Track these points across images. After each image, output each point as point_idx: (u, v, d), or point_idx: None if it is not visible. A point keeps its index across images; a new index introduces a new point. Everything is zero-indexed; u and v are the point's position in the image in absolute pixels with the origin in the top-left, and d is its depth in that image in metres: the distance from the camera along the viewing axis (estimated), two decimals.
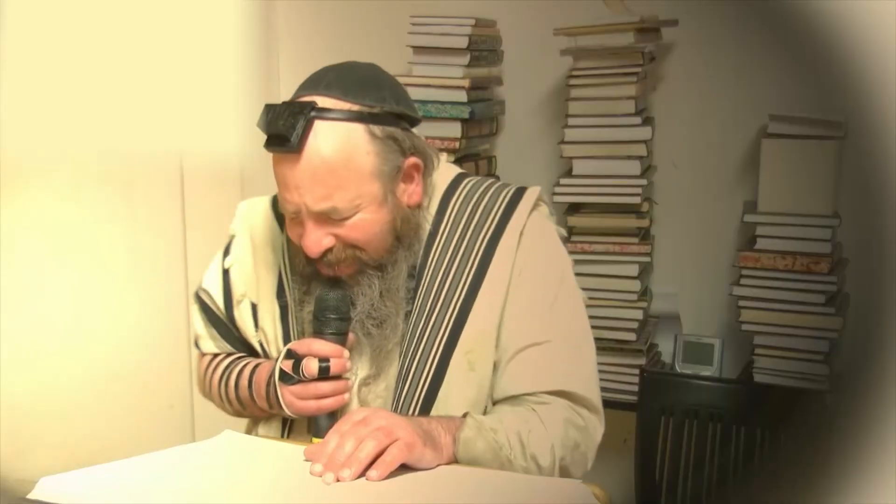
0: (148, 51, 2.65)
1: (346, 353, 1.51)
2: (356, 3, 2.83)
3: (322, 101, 1.45)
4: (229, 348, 1.72)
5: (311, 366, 1.48)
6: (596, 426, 1.57)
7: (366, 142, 1.45)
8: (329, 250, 1.49)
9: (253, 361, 1.66)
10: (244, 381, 1.63)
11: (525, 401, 1.53)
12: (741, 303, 2.34)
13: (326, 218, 1.46)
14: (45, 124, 2.59)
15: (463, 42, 2.45)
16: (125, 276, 2.82)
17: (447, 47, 2.47)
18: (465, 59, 2.46)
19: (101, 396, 2.80)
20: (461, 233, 1.57)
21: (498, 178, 1.77)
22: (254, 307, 1.66)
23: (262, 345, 1.66)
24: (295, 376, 1.50)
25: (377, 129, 1.46)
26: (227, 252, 1.71)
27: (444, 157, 1.67)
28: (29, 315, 2.77)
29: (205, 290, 1.72)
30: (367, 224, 1.48)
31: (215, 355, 1.73)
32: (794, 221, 2.29)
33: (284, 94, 2.91)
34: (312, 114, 1.42)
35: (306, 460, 1.35)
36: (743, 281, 2.34)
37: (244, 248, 1.69)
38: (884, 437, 1.57)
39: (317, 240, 1.48)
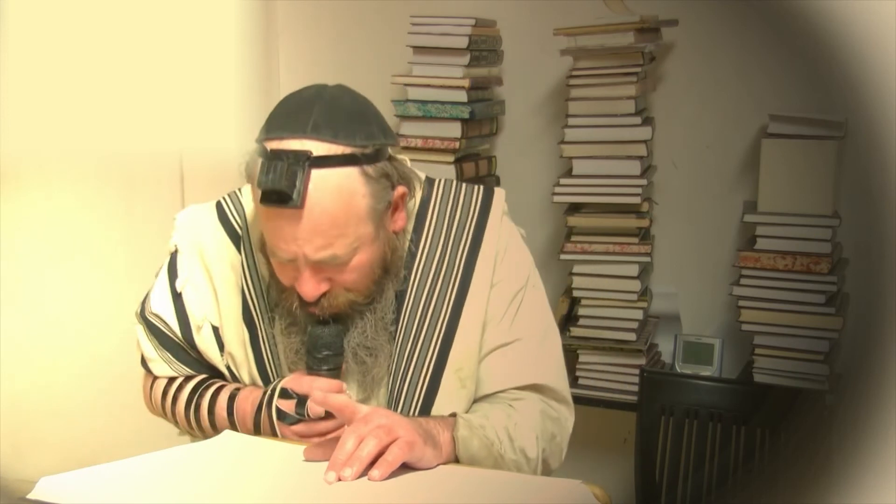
0: (148, 51, 2.64)
1: (345, 386, 1.50)
2: (356, 2, 2.83)
3: (315, 148, 1.38)
4: (187, 371, 1.66)
5: (317, 407, 1.45)
6: (567, 417, 1.60)
7: (361, 184, 1.41)
8: (324, 294, 1.47)
9: (226, 387, 1.60)
10: (222, 412, 1.58)
11: (499, 398, 1.55)
12: (741, 303, 2.34)
13: (325, 265, 1.43)
14: (44, 124, 2.59)
15: (463, 42, 2.45)
16: (125, 276, 2.82)
17: (447, 47, 2.47)
18: (465, 59, 2.46)
19: (101, 396, 2.80)
20: (441, 250, 1.56)
21: (460, 180, 1.70)
22: (216, 329, 1.61)
23: (229, 368, 1.62)
24: (296, 416, 1.47)
25: (371, 170, 1.41)
26: (173, 271, 1.64)
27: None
28: (29, 315, 2.76)
29: (155, 315, 1.64)
30: (363, 265, 1.46)
31: (171, 378, 1.66)
32: (794, 221, 2.29)
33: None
34: (308, 165, 1.37)
35: (306, 460, 1.35)
36: (743, 281, 2.34)
37: (194, 266, 1.63)
38: (884, 437, 1.57)
39: (314, 286, 1.45)
